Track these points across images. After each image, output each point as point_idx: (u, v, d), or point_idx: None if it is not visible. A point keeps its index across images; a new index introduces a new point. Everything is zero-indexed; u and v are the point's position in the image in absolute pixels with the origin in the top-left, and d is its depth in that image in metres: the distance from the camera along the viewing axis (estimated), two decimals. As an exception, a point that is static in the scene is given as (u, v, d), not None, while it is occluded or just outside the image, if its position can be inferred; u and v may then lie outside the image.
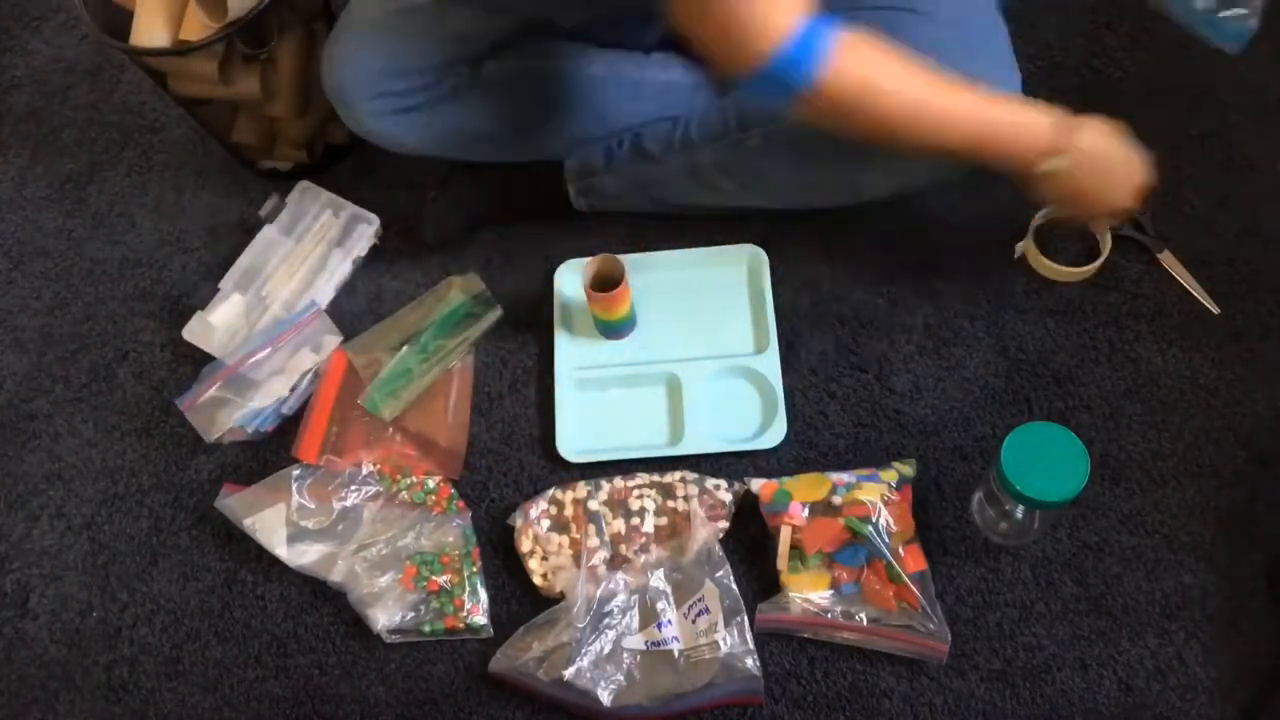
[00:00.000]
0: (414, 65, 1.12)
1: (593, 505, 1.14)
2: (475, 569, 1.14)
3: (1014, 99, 1.02)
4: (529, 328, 1.29)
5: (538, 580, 1.12)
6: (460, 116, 1.20)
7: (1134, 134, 1.33)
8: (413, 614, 1.12)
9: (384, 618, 1.11)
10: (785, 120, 1.10)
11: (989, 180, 1.17)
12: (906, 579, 1.04)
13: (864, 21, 1.04)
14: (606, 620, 1.07)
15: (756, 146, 1.18)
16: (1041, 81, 1.38)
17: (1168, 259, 1.21)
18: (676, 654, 1.06)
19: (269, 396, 1.23)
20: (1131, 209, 1.08)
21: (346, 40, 1.16)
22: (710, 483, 1.14)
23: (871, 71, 0.94)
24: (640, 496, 1.14)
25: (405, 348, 1.26)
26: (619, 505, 1.14)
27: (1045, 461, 0.98)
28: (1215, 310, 1.18)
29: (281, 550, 1.15)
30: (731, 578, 1.08)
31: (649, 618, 1.08)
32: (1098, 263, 1.23)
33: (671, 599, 1.08)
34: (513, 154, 1.27)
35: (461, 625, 1.11)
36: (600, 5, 1.19)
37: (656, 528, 1.13)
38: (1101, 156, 1.03)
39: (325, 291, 1.33)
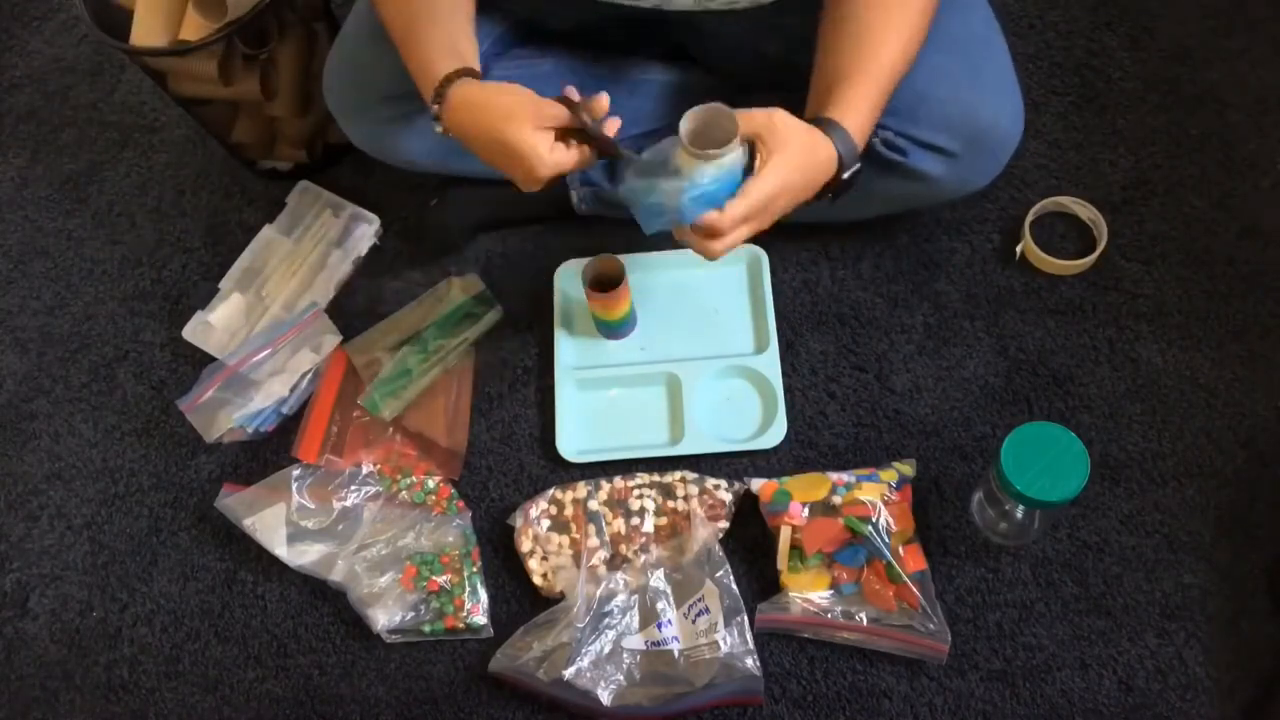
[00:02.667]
0: None
1: (593, 505, 1.14)
2: (475, 569, 1.14)
3: (459, 49, 1.01)
4: (529, 328, 1.29)
5: (538, 580, 1.12)
6: None
7: (1134, 134, 1.34)
8: (413, 614, 1.12)
9: (384, 618, 1.12)
10: None
11: (990, 183, 1.18)
12: (906, 579, 1.04)
13: None
14: (606, 620, 1.07)
15: None
16: (1041, 82, 1.38)
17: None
18: (676, 654, 1.06)
19: (269, 396, 1.23)
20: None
21: (347, 51, 1.16)
22: (710, 482, 1.14)
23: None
24: (640, 496, 1.14)
25: (405, 348, 1.26)
26: (619, 505, 1.14)
27: (1045, 461, 0.97)
28: None
29: (281, 550, 1.15)
30: (731, 578, 1.08)
31: (649, 618, 1.08)
32: (1095, 254, 1.23)
33: (671, 599, 1.08)
34: None
35: (461, 625, 1.11)
36: (587, 8, 1.19)
37: (656, 528, 1.13)
38: (463, 141, 1.01)
39: (325, 291, 1.33)
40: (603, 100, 0.96)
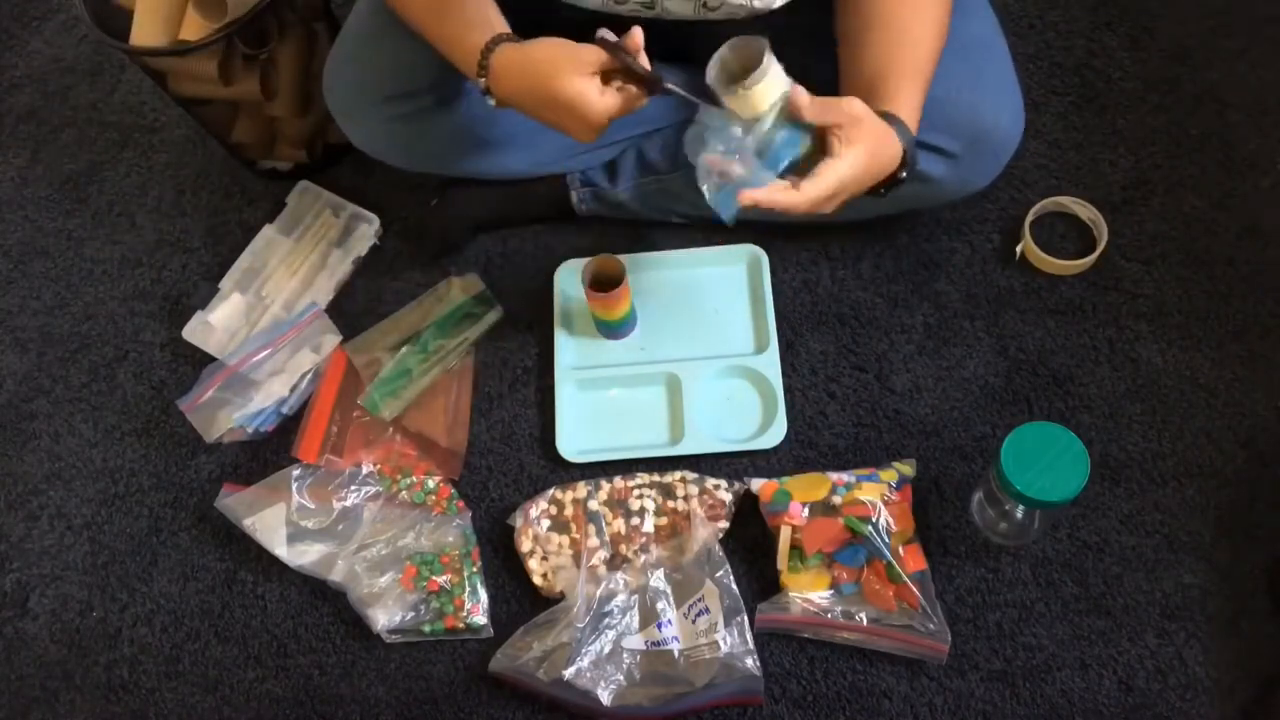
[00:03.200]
0: (416, 70, 1.12)
1: (593, 505, 1.14)
2: (475, 569, 1.14)
3: (488, 19, 0.99)
4: (529, 328, 1.29)
5: (538, 580, 1.12)
6: (467, 118, 1.20)
7: (1134, 134, 1.34)
8: (413, 614, 1.12)
9: (384, 618, 1.12)
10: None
11: (990, 183, 1.19)
12: (906, 579, 1.04)
13: None
14: (606, 620, 1.07)
15: None
16: (1041, 82, 1.38)
17: None
18: (676, 654, 1.06)
19: (269, 396, 1.23)
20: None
21: (348, 50, 1.15)
22: (710, 482, 1.14)
23: None
24: (640, 496, 1.14)
25: (405, 348, 1.26)
26: (619, 505, 1.14)
27: (1045, 461, 0.97)
28: None
29: (281, 550, 1.15)
30: (731, 578, 1.08)
31: (649, 618, 1.08)
32: (1095, 254, 1.23)
33: (671, 599, 1.08)
34: (518, 160, 1.27)
35: (461, 625, 1.11)
36: (587, 15, 1.19)
37: (656, 528, 1.13)
38: (516, 107, 0.99)
39: (325, 291, 1.33)
40: (636, 35, 0.93)
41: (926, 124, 1.08)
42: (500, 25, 0.99)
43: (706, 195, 0.93)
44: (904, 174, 0.96)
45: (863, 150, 0.89)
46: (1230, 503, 1.11)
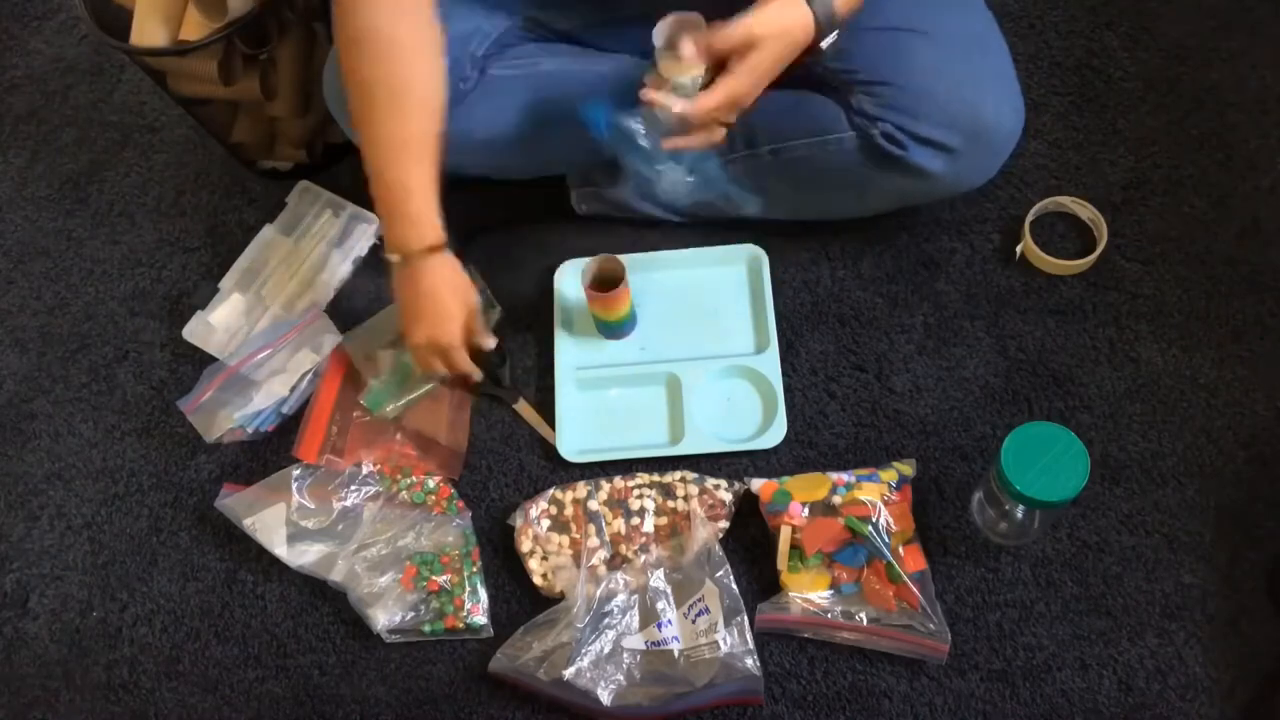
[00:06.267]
0: None
1: (593, 505, 1.14)
2: (475, 569, 1.14)
3: (425, 191, 1.02)
4: (529, 328, 1.29)
5: (538, 580, 1.12)
6: (466, 120, 1.19)
7: (1134, 134, 1.34)
8: (413, 614, 1.12)
9: (384, 618, 1.12)
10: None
11: (989, 182, 1.19)
12: (906, 579, 1.04)
13: (868, 43, 1.05)
14: (606, 620, 1.07)
15: (766, 162, 1.18)
16: (1041, 82, 1.38)
17: (523, 407, 1.22)
18: (676, 654, 1.06)
19: (269, 396, 1.23)
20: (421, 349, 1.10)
21: None
22: (710, 482, 1.14)
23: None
24: (640, 496, 1.14)
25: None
26: (619, 505, 1.14)
27: (1045, 461, 0.97)
28: (555, 443, 1.20)
29: (281, 550, 1.15)
30: (731, 577, 1.08)
31: (649, 618, 1.08)
32: (1095, 254, 1.23)
33: (671, 599, 1.08)
34: (518, 162, 1.26)
35: (461, 625, 1.11)
36: (589, 11, 1.19)
37: (656, 527, 1.13)
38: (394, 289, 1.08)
39: (325, 291, 1.33)
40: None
41: (926, 119, 1.08)
42: (436, 227, 1.04)
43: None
44: (824, 47, 0.97)
45: (758, 61, 0.93)
46: (1230, 503, 1.11)
